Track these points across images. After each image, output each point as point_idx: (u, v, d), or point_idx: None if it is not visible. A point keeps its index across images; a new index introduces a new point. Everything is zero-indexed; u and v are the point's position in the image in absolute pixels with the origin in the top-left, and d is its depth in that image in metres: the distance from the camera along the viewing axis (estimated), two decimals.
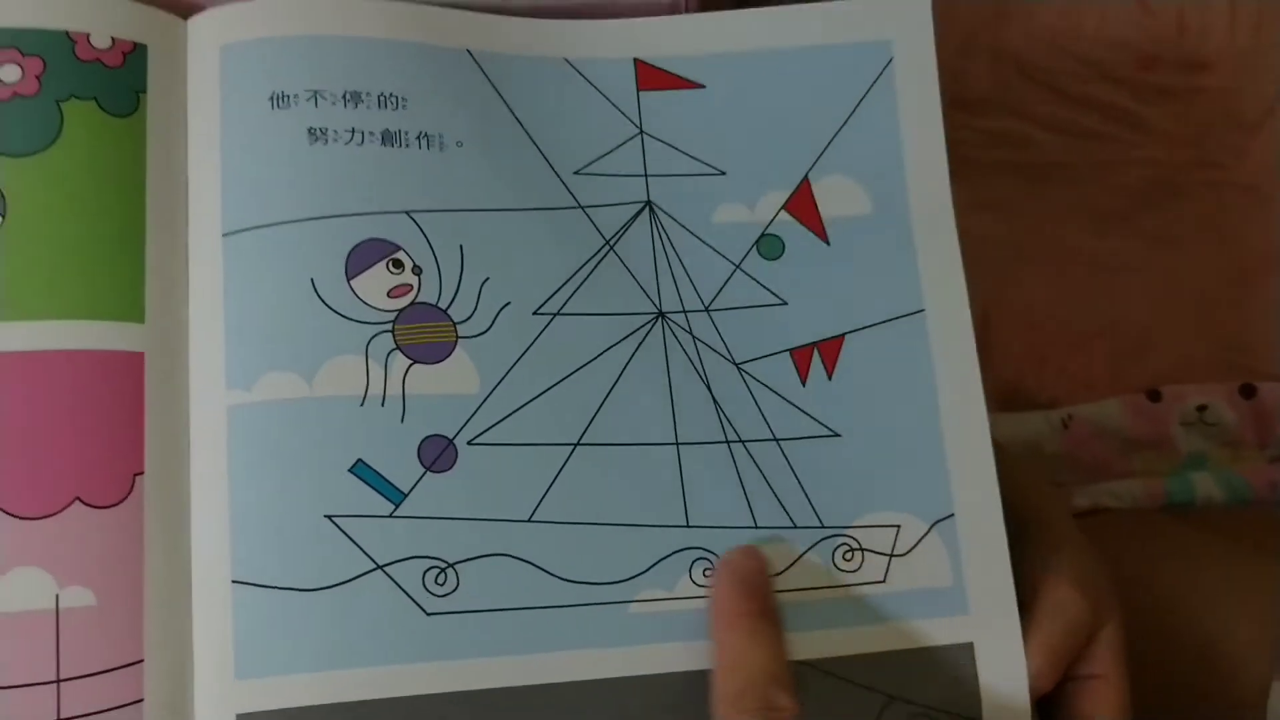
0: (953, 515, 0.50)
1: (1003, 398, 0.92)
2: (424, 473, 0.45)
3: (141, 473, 0.43)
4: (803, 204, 0.52)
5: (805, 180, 0.52)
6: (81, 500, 0.42)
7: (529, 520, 0.46)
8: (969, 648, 0.49)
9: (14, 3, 0.47)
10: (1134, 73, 0.96)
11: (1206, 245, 0.96)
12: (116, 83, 0.46)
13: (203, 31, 0.48)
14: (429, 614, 0.44)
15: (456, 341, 0.47)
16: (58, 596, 0.41)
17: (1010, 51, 0.93)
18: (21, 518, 0.42)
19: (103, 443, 0.43)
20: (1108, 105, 0.95)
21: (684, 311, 0.50)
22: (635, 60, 0.53)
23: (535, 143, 0.51)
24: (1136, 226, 0.96)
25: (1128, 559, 0.77)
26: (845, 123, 0.53)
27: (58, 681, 0.41)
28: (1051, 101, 0.94)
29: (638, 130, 0.52)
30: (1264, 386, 0.93)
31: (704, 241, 0.51)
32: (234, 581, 0.43)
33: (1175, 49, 0.96)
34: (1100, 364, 0.94)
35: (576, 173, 0.51)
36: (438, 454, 0.45)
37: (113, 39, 0.47)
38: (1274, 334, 0.96)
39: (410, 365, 0.46)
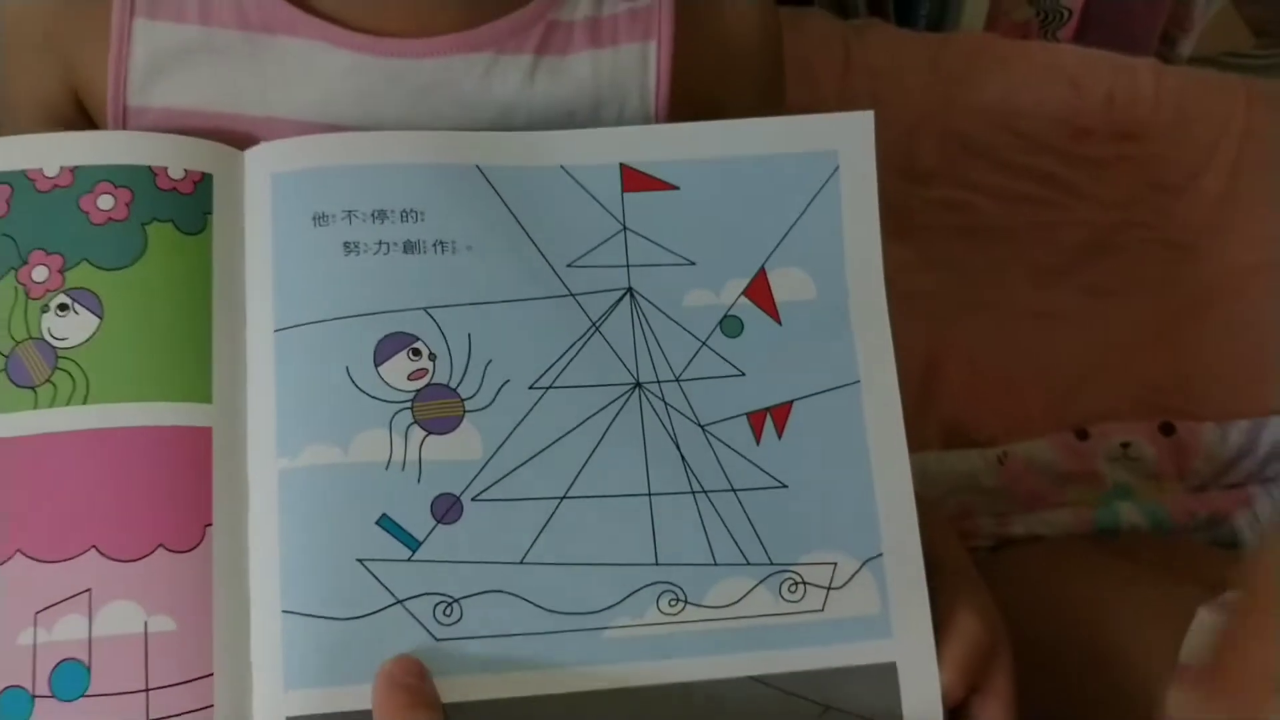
0: (881, 555, 0.59)
1: (946, 436, 1.02)
2: (435, 525, 0.55)
3: (210, 524, 0.53)
4: (760, 290, 0.60)
5: (762, 270, 0.60)
6: (164, 546, 0.53)
7: (521, 562, 0.55)
8: (893, 666, 0.57)
9: (109, 144, 0.57)
10: (1068, 144, 1.05)
11: (1133, 298, 1.06)
12: (189, 207, 0.57)
13: (257, 163, 0.58)
14: (438, 640, 0.53)
15: (464, 415, 0.56)
16: (146, 623, 0.52)
17: (955, 130, 1.03)
18: (117, 560, 0.52)
19: (179, 500, 0.53)
20: (1044, 174, 1.05)
21: (658, 381, 0.59)
22: (621, 165, 0.61)
23: (534, 241, 0.59)
24: (1071, 281, 1.06)
25: (1054, 580, 0.87)
26: (797, 221, 0.61)
27: (147, 690, 0.51)
28: (993, 172, 1.04)
29: (621, 227, 0.61)
30: (1182, 425, 1.03)
31: (676, 322, 0.60)
32: (284, 611, 0.53)
33: (1105, 123, 1.06)
34: (1035, 405, 1.03)
35: (569, 265, 0.59)
36: (447, 509, 0.55)
37: (185, 170, 0.57)
38: (1192, 377, 1.05)
39: (425, 436, 0.56)
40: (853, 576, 0.58)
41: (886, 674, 0.57)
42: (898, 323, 0.60)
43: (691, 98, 0.66)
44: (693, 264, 0.60)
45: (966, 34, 1.14)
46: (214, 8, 0.61)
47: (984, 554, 0.94)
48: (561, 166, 0.60)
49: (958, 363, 1.03)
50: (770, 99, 0.71)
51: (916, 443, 0.61)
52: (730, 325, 0.60)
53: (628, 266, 0.60)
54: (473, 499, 0.55)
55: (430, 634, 0.53)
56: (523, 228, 0.59)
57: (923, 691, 0.57)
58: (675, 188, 0.61)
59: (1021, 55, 1.10)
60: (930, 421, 1.01)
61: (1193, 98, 1.08)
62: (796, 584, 0.58)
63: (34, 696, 0.50)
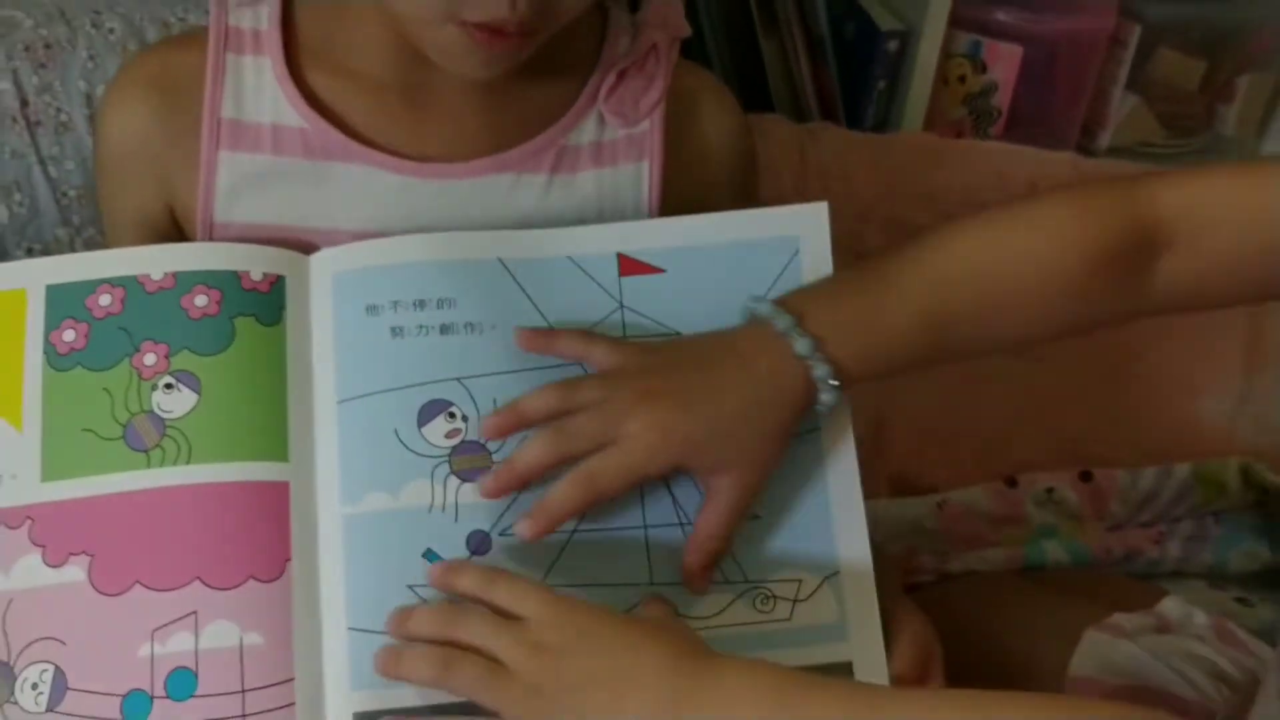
0: (838, 572, 0.69)
1: (893, 486, 1.14)
2: (470, 556, 0.66)
3: (290, 559, 0.66)
4: None
5: None
6: (254, 577, 0.65)
7: (542, 581, 0.66)
8: (849, 665, 0.69)
9: (203, 254, 0.70)
10: None
11: (1055, 361, 1.18)
12: (268, 303, 0.69)
13: (320, 265, 0.70)
14: None
15: (491, 466, 0.67)
16: (241, 638, 0.64)
17: (897, 217, 1.15)
18: (217, 589, 0.64)
19: (265, 540, 0.65)
20: None
21: None
22: (618, 254, 0.72)
23: (546, 319, 0.70)
24: None
25: (989, 610, 0.99)
26: (765, 295, 0.70)
27: (243, 691, 0.63)
28: None
29: (619, 305, 0.71)
30: (1099, 472, 1.14)
31: None
32: (350, 629, 0.65)
33: None
34: (969, 457, 1.15)
35: None
36: (479, 543, 0.67)
37: (264, 273, 0.69)
38: (1107, 430, 1.17)
39: (460, 484, 0.67)
40: (815, 591, 0.69)
41: (844, 671, 0.68)
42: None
43: (679, 201, 0.77)
44: (678, 334, 0.71)
45: (907, 134, 1.26)
46: (284, 141, 0.72)
47: (927, 588, 1.05)
48: (568, 257, 0.71)
49: (902, 421, 1.14)
50: (746, 196, 0.81)
51: (868, 491, 0.71)
52: None
53: (624, 338, 0.71)
54: (499, 534, 0.67)
55: None
56: (537, 308, 0.70)
57: (875, 682, 0.68)
58: (663, 271, 0.71)
59: (954, 151, 1.22)
60: (879, 473, 1.12)
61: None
62: (768, 598, 0.69)
63: (152, 698, 0.63)
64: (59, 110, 0.91)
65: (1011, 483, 1.14)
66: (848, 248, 0.76)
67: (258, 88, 0.72)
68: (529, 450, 0.66)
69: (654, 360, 0.68)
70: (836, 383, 0.67)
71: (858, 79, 1.27)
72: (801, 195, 1.02)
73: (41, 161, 0.91)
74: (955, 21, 1.25)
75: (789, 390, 0.67)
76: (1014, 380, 1.17)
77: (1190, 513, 1.14)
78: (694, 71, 0.79)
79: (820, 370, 0.66)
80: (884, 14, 1.25)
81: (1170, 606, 1.00)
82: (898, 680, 0.69)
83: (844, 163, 1.17)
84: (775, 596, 0.69)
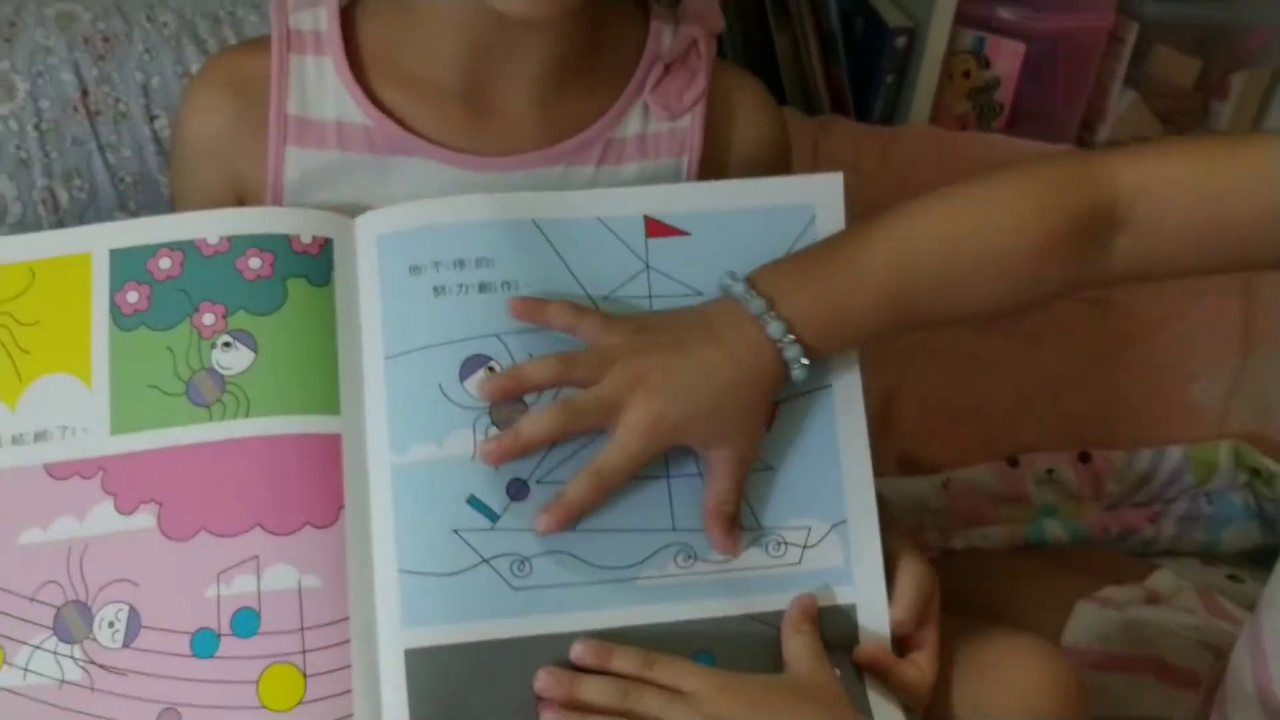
0: (845, 520, 0.73)
1: (900, 464, 1.17)
2: (510, 502, 0.70)
3: (343, 506, 0.69)
4: None
5: None
6: (310, 524, 0.69)
7: (574, 529, 0.70)
8: (853, 607, 0.72)
9: (255, 218, 0.73)
10: None
11: (1057, 345, 1.22)
12: (317, 264, 0.73)
13: (365, 227, 0.74)
14: (515, 589, 0.69)
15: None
16: (299, 580, 0.68)
17: None
18: (276, 534, 0.68)
19: (319, 489, 0.69)
20: None
21: None
22: (645, 216, 0.75)
23: (577, 279, 0.73)
24: (1005, 330, 1.21)
25: (989, 582, 1.02)
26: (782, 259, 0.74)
27: (301, 629, 0.67)
28: None
29: (645, 266, 0.74)
30: (1097, 454, 1.19)
31: None
32: (400, 570, 0.68)
33: None
34: (973, 438, 1.19)
35: (604, 297, 0.73)
36: (518, 490, 0.70)
37: (313, 236, 0.73)
38: (1106, 414, 1.21)
39: (500, 434, 0.70)
40: (823, 537, 0.73)
41: (848, 612, 0.73)
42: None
43: None
44: (700, 294, 0.74)
45: (914, 127, 1.29)
46: (349, 136, 0.76)
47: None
48: (598, 218, 0.75)
49: (910, 401, 1.18)
50: None
51: (876, 469, 0.75)
52: None
53: (650, 297, 0.74)
54: (536, 482, 0.70)
55: (509, 584, 0.69)
56: (568, 268, 0.74)
57: (875, 625, 0.73)
58: (687, 234, 0.75)
59: (959, 144, 1.26)
60: (887, 452, 1.16)
61: None
62: (780, 543, 0.73)
63: (219, 635, 0.67)
64: (117, 100, 0.95)
65: (1013, 463, 1.18)
66: None
67: (320, 87, 0.76)
68: (537, 423, 0.69)
69: (641, 341, 0.71)
70: (807, 361, 0.71)
71: (867, 73, 1.31)
72: None
73: (101, 149, 0.95)
74: (961, 19, 1.28)
75: (766, 369, 0.71)
76: (1017, 364, 1.21)
77: (1184, 493, 1.19)
78: (734, 71, 0.83)
79: (791, 351, 0.71)
80: (892, 11, 1.29)
81: (1160, 579, 1.05)
82: (897, 621, 0.73)
83: (854, 153, 1.21)
84: (786, 543, 0.73)
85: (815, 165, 1.17)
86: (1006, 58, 1.33)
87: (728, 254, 0.74)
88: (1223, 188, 0.72)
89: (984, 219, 0.74)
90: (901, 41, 1.27)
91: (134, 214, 0.96)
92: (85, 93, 0.95)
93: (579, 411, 0.69)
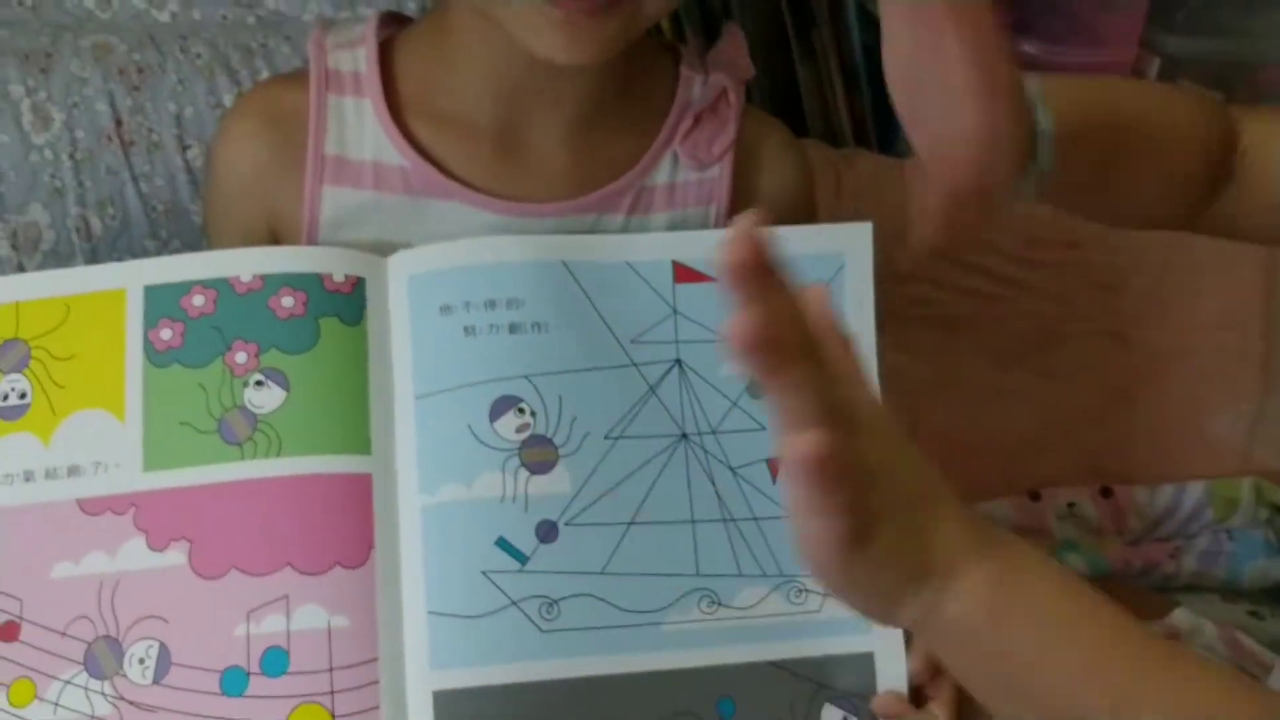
0: None
1: None
2: (539, 544, 0.70)
3: (373, 547, 0.70)
4: None
5: None
6: (340, 564, 0.69)
7: (602, 572, 0.71)
8: (870, 655, 0.73)
9: (288, 257, 0.74)
10: (1023, 250, 1.21)
11: (1077, 380, 1.21)
12: (349, 304, 0.73)
13: (397, 267, 0.74)
14: (543, 631, 0.69)
15: (558, 459, 0.72)
16: (329, 621, 0.68)
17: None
18: (307, 574, 0.68)
19: (350, 529, 0.70)
20: (998, 274, 1.22)
21: (699, 434, 0.74)
22: (673, 261, 0.75)
23: (606, 323, 0.74)
24: (1024, 365, 1.22)
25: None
26: None
27: (330, 670, 0.67)
28: (955, 272, 1.20)
29: (673, 311, 0.75)
30: (1119, 489, 1.18)
31: (714, 387, 0.74)
32: (429, 612, 0.69)
33: (1053, 231, 1.22)
34: (994, 471, 1.18)
35: (632, 341, 0.74)
36: (547, 531, 0.71)
37: (346, 275, 0.73)
38: (1126, 448, 1.21)
39: (529, 475, 0.71)
40: None
41: (866, 660, 0.73)
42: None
43: None
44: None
45: None
46: (386, 178, 0.76)
47: None
48: (627, 262, 0.75)
49: (928, 434, 1.16)
50: None
51: None
52: (755, 389, 0.73)
53: (677, 342, 0.75)
54: (565, 524, 0.71)
55: (537, 627, 0.70)
56: (597, 311, 0.74)
57: (893, 674, 0.73)
58: (714, 279, 0.73)
59: None
60: None
61: None
62: (801, 590, 0.73)
63: (249, 674, 0.67)
64: (150, 130, 0.95)
65: (1035, 497, 1.17)
66: (878, 268, 0.80)
67: (359, 128, 0.77)
68: None
69: None
70: None
71: (890, 105, 1.30)
72: (836, 217, 1.03)
73: (134, 178, 0.96)
74: None
75: None
76: (1037, 398, 1.20)
77: (1205, 529, 1.18)
78: (761, 118, 0.84)
79: None
80: None
81: (1180, 617, 1.04)
82: (914, 671, 0.73)
83: (877, 186, 1.21)
84: (807, 590, 0.73)
85: (839, 197, 1.18)
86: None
87: None
88: None
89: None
90: None
91: (165, 243, 0.97)
92: (119, 123, 0.95)
93: None
